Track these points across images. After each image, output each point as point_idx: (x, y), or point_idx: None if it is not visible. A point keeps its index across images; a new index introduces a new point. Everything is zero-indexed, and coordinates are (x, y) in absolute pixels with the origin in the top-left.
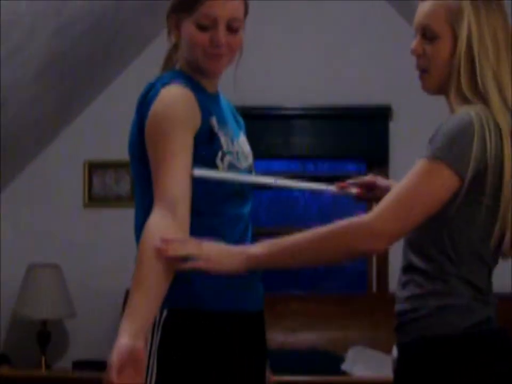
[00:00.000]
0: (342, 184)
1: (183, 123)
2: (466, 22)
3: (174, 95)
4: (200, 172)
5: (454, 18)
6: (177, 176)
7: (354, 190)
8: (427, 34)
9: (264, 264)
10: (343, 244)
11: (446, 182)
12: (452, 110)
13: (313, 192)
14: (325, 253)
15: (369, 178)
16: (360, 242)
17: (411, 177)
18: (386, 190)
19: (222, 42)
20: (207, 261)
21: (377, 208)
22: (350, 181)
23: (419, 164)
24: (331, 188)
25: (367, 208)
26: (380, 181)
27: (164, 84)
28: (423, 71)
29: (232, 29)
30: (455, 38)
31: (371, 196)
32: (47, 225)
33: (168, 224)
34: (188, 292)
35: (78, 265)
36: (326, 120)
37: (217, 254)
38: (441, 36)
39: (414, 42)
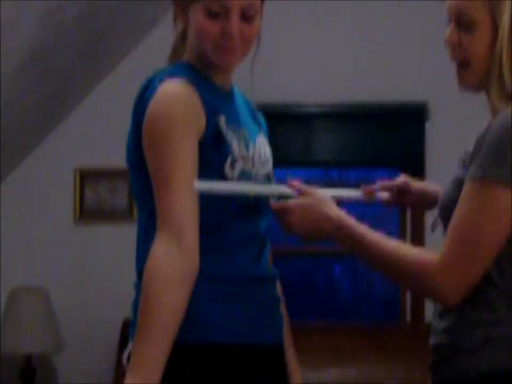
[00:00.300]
0: (369, 188)
1: (184, 126)
2: (508, 6)
3: (173, 93)
4: (202, 185)
5: (493, 2)
6: (181, 192)
7: (383, 195)
8: (463, 21)
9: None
10: (409, 284)
11: (506, 204)
12: (494, 109)
13: (336, 201)
14: (391, 277)
15: (400, 180)
16: (427, 292)
17: (464, 209)
18: (420, 195)
19: (235, 33)
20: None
21: (441, 255)
22: (378, 184)
23: (469, 189)
24: (356, 194)
25: (400, 214)
26: (413, 184)
27: (162, 80)
28: (460, 64)
29: (247, 17)
30: (495, 26)
31: (403, 201)
32: (32, 243)
33: (173, 254)
34: (195, 323)
35: (67, 289)
36: (352, 120)
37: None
38: (480, 23)
39: (448, 31)
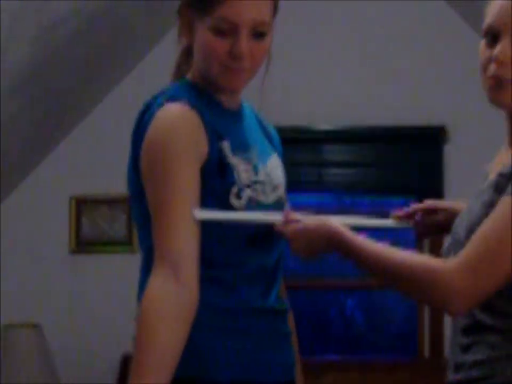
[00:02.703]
0: (398, 214)
1: (184, 153)
2: None
3: (172, 119)
4: (203, 214)
5: None
6: (180, 224)
7: (412, 219)
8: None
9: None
10: (418, 293)
11: None
12: None
13: (359, 230)
14: (399, 288)
15: (427, 203)
16: (436, 300)
17: (495, 219)
18: (451, 212)
19: (244, 53)
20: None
21: (458, 259)
22: (407, 209)
23: (503, 204)
24: (388, 223)
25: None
26: (441, 204)
27: (161, 104)
28: (502, 81)
29: (257, 34)
30: None
31: (433, 222)
32: (25, 276)
33: (170, 289)
34: (197, 358)
35: (63, 325)
36: (367, 144)
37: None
38: None
39: (501, 47)
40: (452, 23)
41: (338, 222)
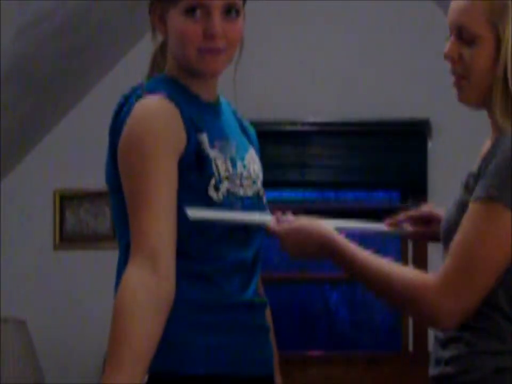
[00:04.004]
0: (392, 220)
1: (162, 145)
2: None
3: (150, 111)
4: (196, 214)
5: (496, 16)
6: (156, 215)
7: (408, 227)
8: (464, 35)
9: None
10: (407, 310)
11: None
12: (497, 127)
13: (348, 232)
14: (388, 300)
15: (424, 210)
16: (424, 318)
17: (467, 229)
18: None
19: (218, 32)
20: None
21: (439, 275)
22: (402, 215)
23: (473, 210)
24: (379, 227)
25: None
26: (437, 212)
27: (139, 97)
28: (460, 78)
29: (229, 15)
30: (498, 40)
31: (428, 232)
32: (9, 271)
33: (147, 280)
34: (175, 353)
35: (48, 320)
36: (350, 138)
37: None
38: (481, 37)
39: (448, 45)
40: (436, 18)
41: (331, 227)
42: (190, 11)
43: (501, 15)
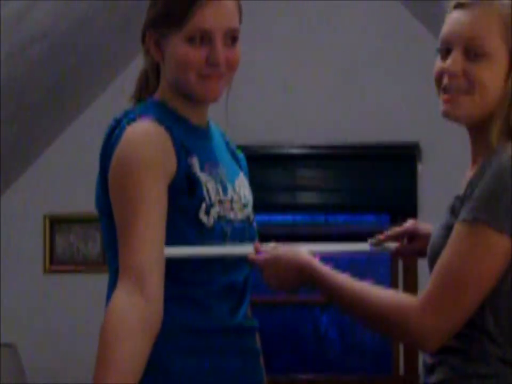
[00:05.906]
0: (375, 240)
1: (151, 169)
2: None
3: (140, 134)
4: (171, 251)
5: (510, 32)
6: (146, 238)
7: (392, 244)
8: (473, 50)
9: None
10: (391, 334)
11: (497, 248)
12: (489, 146)
13: (332, 255)
14: (369, 323)
15: (408, 226)
16: (408, 341)
17: (452, 250)
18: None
19: (221, 59)
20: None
21: (423, 297)
22: (387, 233)
23: (458, 231)
24: (364, 246)
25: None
26: (422, 227)
27: (131, 120)
28: (459, 94)
29: (230, 41)
30: (510, 57)
31: (412, 249)
32: None
33: (134, 303)
34: (165, 377)
35: (38, 345)
36: (340, 162)
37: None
38: (495, 53)
39: (452, 59)
40: (424, 40)
41: (309, 251)
42: (193, 38)
43: None
